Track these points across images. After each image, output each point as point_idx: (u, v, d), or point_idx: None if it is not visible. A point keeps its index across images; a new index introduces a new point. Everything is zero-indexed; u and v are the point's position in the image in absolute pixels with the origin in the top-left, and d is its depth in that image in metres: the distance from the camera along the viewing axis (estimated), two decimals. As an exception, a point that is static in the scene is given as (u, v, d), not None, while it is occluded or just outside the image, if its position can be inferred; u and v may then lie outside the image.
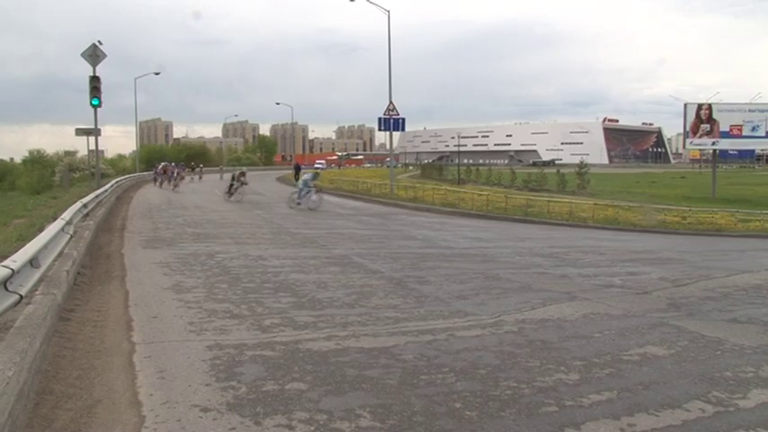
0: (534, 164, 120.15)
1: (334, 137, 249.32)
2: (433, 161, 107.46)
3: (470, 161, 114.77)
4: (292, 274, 10.14)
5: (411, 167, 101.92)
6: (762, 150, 57.59)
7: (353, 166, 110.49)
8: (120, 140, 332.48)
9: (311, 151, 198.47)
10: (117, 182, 32.79)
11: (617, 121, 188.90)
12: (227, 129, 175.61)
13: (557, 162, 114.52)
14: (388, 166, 43.60)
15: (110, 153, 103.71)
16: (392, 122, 33.70)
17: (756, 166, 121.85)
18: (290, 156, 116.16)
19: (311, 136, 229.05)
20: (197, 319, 7.04)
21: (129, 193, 33.31)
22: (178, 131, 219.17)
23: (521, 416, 4.60)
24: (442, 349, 6.17)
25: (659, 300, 9.12)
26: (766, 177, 70.31)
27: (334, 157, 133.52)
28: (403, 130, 36.42)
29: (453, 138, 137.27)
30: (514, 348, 6.31)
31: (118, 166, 68.43)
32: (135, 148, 75.49)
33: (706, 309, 8.66)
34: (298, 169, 46.90)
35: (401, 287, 9.31)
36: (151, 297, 8.16)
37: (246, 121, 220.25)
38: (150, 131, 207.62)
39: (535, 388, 5.18)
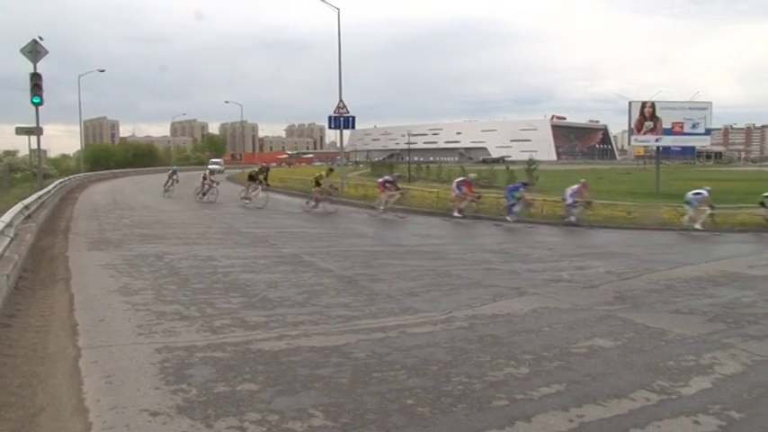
0: (484, 161, 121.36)
1: (284, 135, 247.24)
2: (384, 159, 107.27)
3: (420, 159, 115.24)
4: (243, 273, 10.06)
5: (362, 165, 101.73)
6: (702, 147, 59.67)
7: (304, 164, 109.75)
8: (63, 140, 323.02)
9: (261, 150, 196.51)
10: (61, 182, 31.95)
11: (564, 118, 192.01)
12: (174, 128, 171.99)
13: (506, 159, 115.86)
14: (338, 165, 43.45)
15: (53, 153, 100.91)
16: (342, 121, 33.57)
17: (697, 162, 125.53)
18: (240, 155, 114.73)
19: (261, 134, 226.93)
20: (145, 321, 6.93)
21: (73, 193, 32.46)
22: (124, 130, 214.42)
23: (472, 410, 4.66)
24: (393, 346, 6.20)
25: (606, 293, 9.34)
26: (706, 173, 72.51)
27: (285, 156, 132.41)
28: (353, 128, 36.33)
29: (404, 135, 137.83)
30: (465, 344, 6.39)
31: (61, 166, 66.59)
32: (79, 148, 73.54)
33: (650, 301, 8.91)
34: (266, 171, 46.19)
35: (352, 285, 9.31)
36: (97, 300, 7.99)
37: (195, 120, 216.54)
38: (95, 131, 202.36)
39: (486, 382, 5.26)
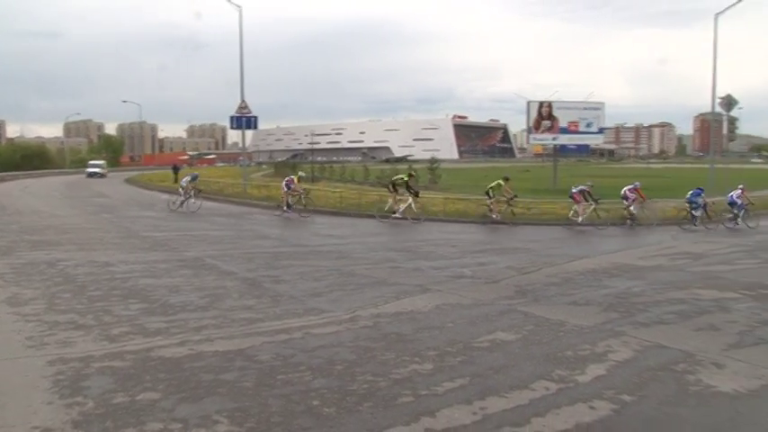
0: (387, 160, 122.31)
1: (185, 136, 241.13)
2: (287, 159, 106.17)
3: (324, 159, 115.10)
4: (142, 279, 9.75)
5: (264, 166, 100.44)
6: (596, 145, 62.48)
7: (206, 165, 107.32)
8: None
9: (161, 151, 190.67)
10: (-60, 187, 29.97)
11: (466, 117, 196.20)
12: (68, 128, 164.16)
13: (409, 158, 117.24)
14: (241, 165, 42.77)
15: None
16: (244, 121, 33.10)
17: (591, 160, 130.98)
18: (139, 156, 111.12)
19: (161, 135, 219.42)
20: (37, 332, 6.61)
21: (-45, 199, 30.52)
22: (12, 131, 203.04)
23: (378, 408, 4.71)
24: (298, 348, 6.19)
25: (507, 287, 9.64)
26: (600, 170, 76.00)
27: (186, 157, 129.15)
28: (256, 128, 35.96)
29: (307, 135, 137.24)
30: (370, 343, 6.44)
31: (-61, 169, 62.29)
32: (-40, 150, 68.94)
33: (549, 294, 9.27)
34: (176, 169, 44.84)
35: (256, 287, 9.22)
36: (-18, 312, 7.55)
37: (90, 120, 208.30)
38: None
39: (391, 380, 5.32)
